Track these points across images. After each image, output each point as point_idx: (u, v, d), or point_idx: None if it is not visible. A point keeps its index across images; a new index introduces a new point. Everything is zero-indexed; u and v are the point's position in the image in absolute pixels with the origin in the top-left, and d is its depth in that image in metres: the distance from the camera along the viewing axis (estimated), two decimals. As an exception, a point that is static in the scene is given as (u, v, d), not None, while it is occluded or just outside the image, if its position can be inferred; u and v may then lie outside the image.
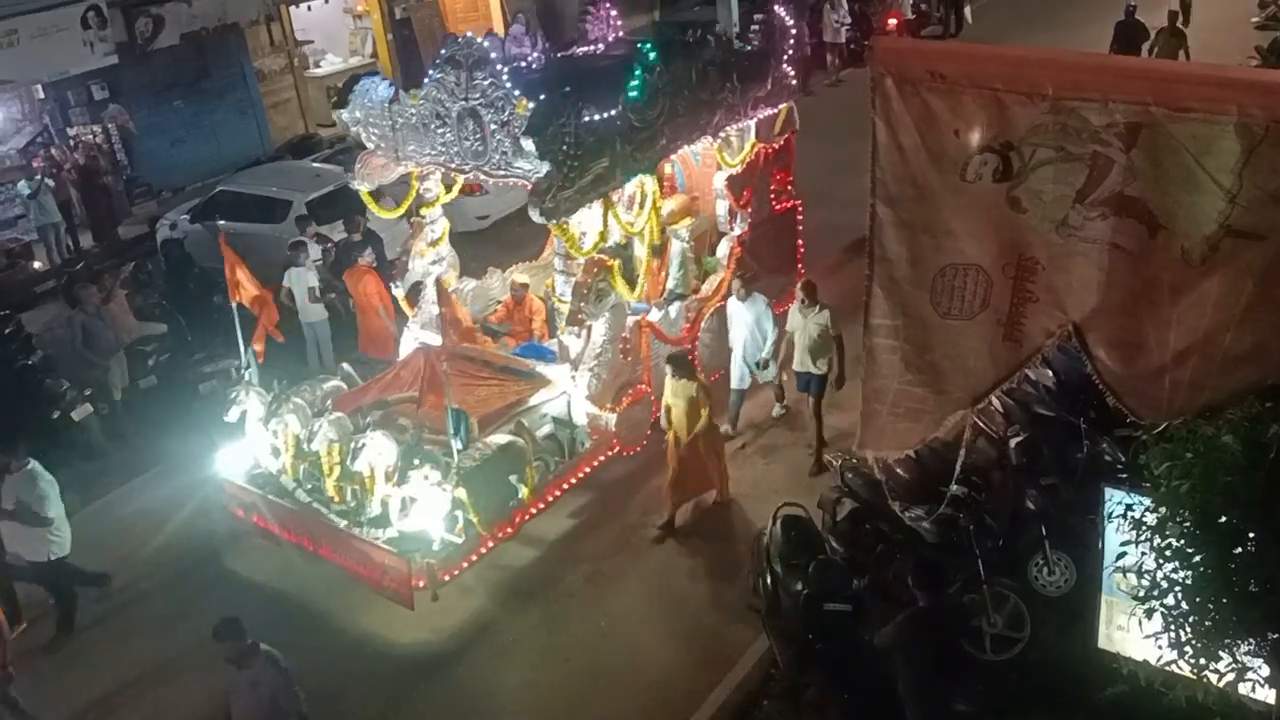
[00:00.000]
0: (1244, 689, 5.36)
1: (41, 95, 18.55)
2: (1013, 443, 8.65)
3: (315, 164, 17.05)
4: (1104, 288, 6.05)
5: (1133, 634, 6.22)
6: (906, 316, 6.61)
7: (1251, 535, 5.16)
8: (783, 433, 11.18)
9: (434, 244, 11.49)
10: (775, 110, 11.75)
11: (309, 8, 22.08)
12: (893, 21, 23.69)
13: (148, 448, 11.88)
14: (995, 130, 6.07)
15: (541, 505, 9.69)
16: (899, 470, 8.22)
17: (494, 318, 11.70)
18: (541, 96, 9.31)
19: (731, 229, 11.95)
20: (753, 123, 11.54)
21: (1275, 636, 5.17)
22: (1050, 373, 8.93)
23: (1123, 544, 5.80)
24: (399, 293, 11.58)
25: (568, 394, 10.24)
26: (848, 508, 8.85)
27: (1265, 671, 5.30)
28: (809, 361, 10.35)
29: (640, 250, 10.98)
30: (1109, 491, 6.53)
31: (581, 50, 12.35)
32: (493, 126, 9.56)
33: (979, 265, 6.34)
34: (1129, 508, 5.85)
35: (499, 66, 9.68)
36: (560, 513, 10.12)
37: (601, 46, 12.37)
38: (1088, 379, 6.49)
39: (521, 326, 11.57)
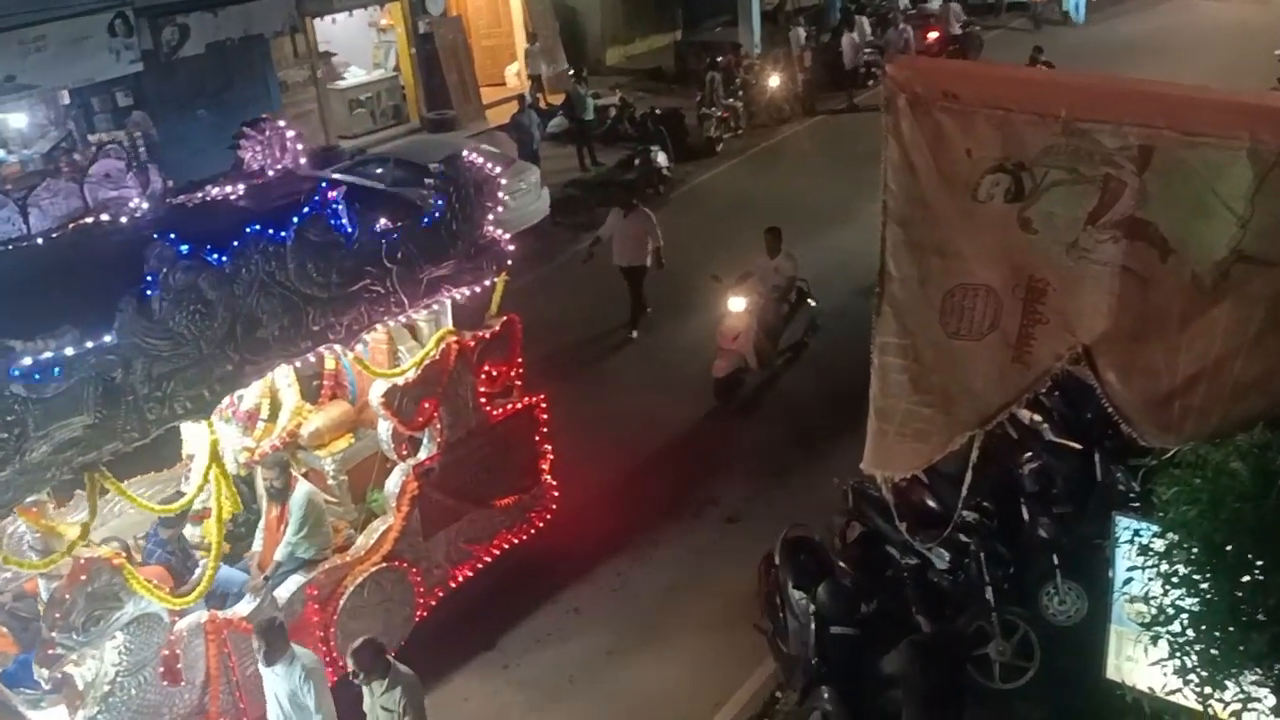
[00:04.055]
0: (1249, 720, 5.30)
1: (67, 101, 18.72)
2: (1026, 470, 8.62)
3: (335, 175, 17.10)
4: (1114, 311, 6.00)
5: (1141, 664, 6.17)
6: (915, 336, 6.58)
7: (1259, 563, 5.10)
8: (797, 454, 11.14)
9: None
10: (476, 289, 8.58)
11: (333, 20, 22.23)
12: (933, 35, 23.70)
13: None
14: (1007, 151, 6.04)
15: None
16: (908, 494, 8.18)
17: None
18: None
19: (401, 457, 8.58)
20: (446, 304, 8.48)
21: (1281, 667, 5.11)
22: (1064, 400, 8.92)
23: (1129, 569, 5.76)
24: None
25: None
26: (857, 531, 8.82)
27: (1271, 702, 5.23)
28: None
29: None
30: (1120, 520, 6.49)
31: (216, 191, 8.77)
32: None
33: (989, 286, 6.31)
34: (1136, 533, 5.80)
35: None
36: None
37: (238, 189, 8.73)
38: (1103, 407, 6.45)
39: None
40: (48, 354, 6.12)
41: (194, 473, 7.91)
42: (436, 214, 8.13)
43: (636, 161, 19.03)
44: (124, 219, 8.37)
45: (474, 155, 8.54)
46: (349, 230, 7.45)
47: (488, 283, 8.69)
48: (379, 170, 17.22)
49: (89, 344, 6.26)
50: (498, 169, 8.75)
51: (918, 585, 8.13)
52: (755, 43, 24.41)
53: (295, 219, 7.14)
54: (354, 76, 22.98)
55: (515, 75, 25.13)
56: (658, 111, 21.21)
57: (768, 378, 12.74)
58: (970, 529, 8.15)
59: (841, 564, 8.25)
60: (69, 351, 6.18)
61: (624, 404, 12.17)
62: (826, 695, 7.39)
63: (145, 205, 8.73)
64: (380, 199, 8.68)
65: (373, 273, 7.63)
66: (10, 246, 8.11)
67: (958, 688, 7.20)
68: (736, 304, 12.26)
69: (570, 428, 10.11)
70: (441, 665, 8.51)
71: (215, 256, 6.77)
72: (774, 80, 22.63)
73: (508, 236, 8.79)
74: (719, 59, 22.22)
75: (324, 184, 7.61)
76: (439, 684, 8.34)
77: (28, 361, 6.04)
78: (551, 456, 9.60)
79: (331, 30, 22.53)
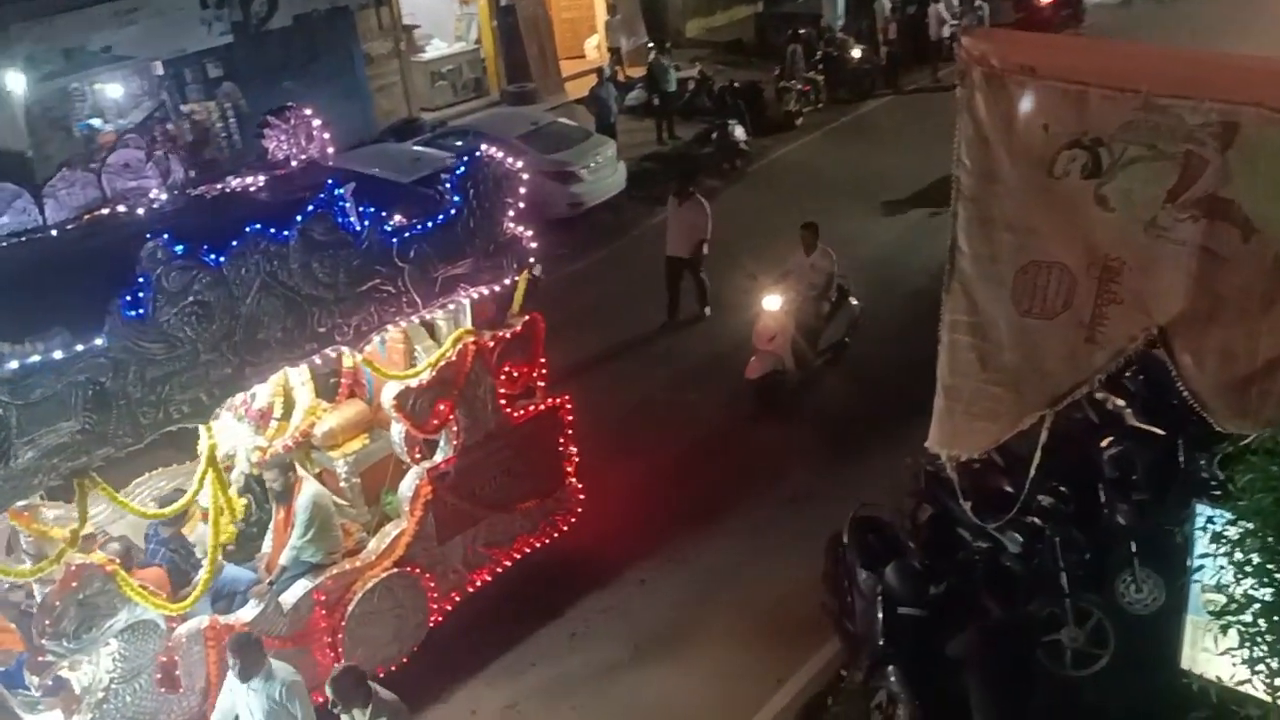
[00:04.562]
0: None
1: (160, 72, 19.20)
2: (1106, 455, 8.45)
3: (416, 147, 17.33)
4: (1192, 292, 5.85)
5: (1215, 655, 6.04)
6: (985, 313, 6.48)
7: (1335, 554, 4.96)
8: (868, 434, 11.01)
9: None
10: (498, 287, 8.25)
11: (418, -7, 22.49)
12: None
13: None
14: (1085, 126, 5.90)
15: None
16: (982, 476, 8.08)
17: None
18: None
19: (414, 460, 8.33)
20: (465, 303, 8.19)
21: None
22: (1148, 384, 8.70)
23: (1200, 556, 5.63)
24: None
25: None
26: (928, 512, 8.73)
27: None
28: None
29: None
30: (1199, 508, 6.34)
31: (238, 182, 8.70)
32: None
33: (1062, 264, 6.18)
34: (1209, 520, 5.67)
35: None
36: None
37: (259, 180, 8.71)
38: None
39: None
40: (35, 357, 5.95)
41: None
42: (453, 210, 7.80)
43: (714, 135, 18.82)
44: (140, 210, 8.24)
45: (493, 150, 8.17)
46: (357, 228, 7.19)
47: (508, 281, 8.32)
48: (458, 143, 17.38)
49: (79, 347, 6.05)
50: (518, 164, 8.31)
51: (989, 568, 8.02)
52: (838, 14, 24.09)
53: (299, 217, 6.90)
54: (436, 49, 23.19)
55: (595, 48, 25.13)
56: (736, 85, 21.04)
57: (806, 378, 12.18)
58: (1046, 513, 8.02)
59: (911, 545, 8.18)
60: (57, 355, 5.98)
61: (667, 396, 12.01)
62: (892, 676, 7.33)
63: (164, 196, 8.54)
64: (397, 194, 8.28)
65: (383, 272, 7.35)
66: (23, 238, 8.01)
67: (1027, 672, 7.11)
68: (772, 303, 11.78)
69: (626, 407, 10.26)
70: (513, 634, 8.67)
71: (212, 257, 6.50)
72: (856, 53, 22.33)
73: (530, 233, 8.38)
74: (800, 31, 21.95)
75: (332, 180, 7.32)
76: (507, 651, 8.49)
77: (14, 365, 5.85)
78: (576, 458, 9.26)
79: (415, 3, 22.73)
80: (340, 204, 7.12)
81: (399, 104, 22.16)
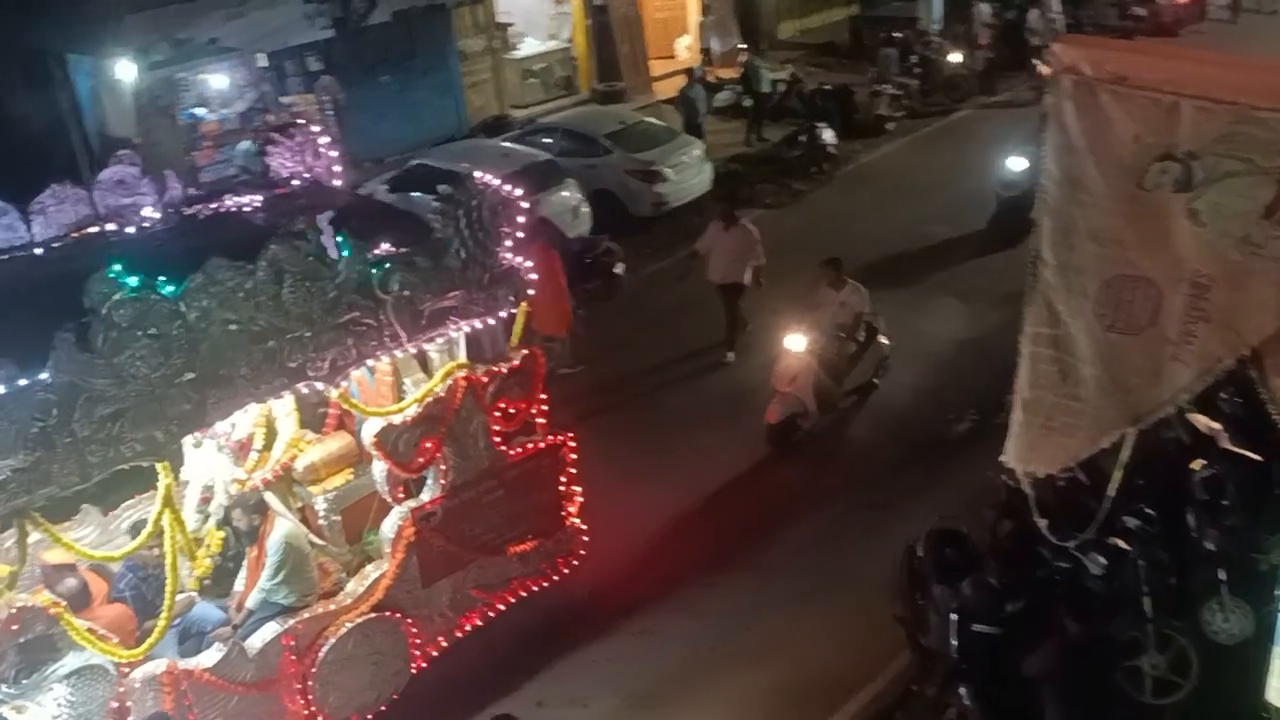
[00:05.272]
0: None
1: (263, 64, 19.69)
2: (1196, 477, 8.20)
3: (505, 144, 17.53)
4: (1285, 312, 5.66)
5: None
6: (1068, 326, 6.32)
7: None
8: (951, 450, 10.74)
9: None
10: (492, 320, 7.78)
11: (514, -8, 22.73)
12: None
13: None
14: (1178, 138, 5.73)
15: None
16: (1067, 494, 7.89)
17: None
18: None
19: (397, 499, 7.88)
20: (458, 338, 7.74)
21: None
22: (1245, 406, 8.41)
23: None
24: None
25: None
26: (1009, 527, 8.55)
27: None
28: None
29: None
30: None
31: (233, 202, 8.36)
32: None
33: (1149, 278, 6.01)
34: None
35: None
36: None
37: (256, 200, 8.29)
38: None
39: None
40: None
41: (187, 498, 7.64)
42: (441, 239, 7.34)
43: (802, 138, 18.68)
44: (130, 229, 7.96)
45: (488, 176, 7.78)
46: (332, 258, 6.75)
47: (504, 314, 7.84)
48: (547, 140, 17.54)
49: (21, 382, 5.71)
50: (517, 191, 7.88)
51: (1069, 588, 7.84)
52: (935, 19, 23.71)
53: (270, 245, 6.47)
54: (528, 47, 23.41)
55: (686, 48, 25.11)
56: (828, 87, 20.89)
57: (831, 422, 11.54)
58: (1130, 535, 7.80)
59: (989, 560, 8.02)
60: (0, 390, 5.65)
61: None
62: (964, 693, 7.22)
63: (156, 215, 8.19)
64: (386, 220, 7.86)
65: (363, 304, 6.89)
66: (1, 257, 7.68)
67: (1106, 694, 6.93)
68: (795, 343, 11.07)
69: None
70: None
71: (169, 289, 6.11)
72: (953, 58, 21.96)
73: (529, 265, 7.93)
74: (895, 35, 21.67)
75: (306, 207, 6.93)
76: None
77: None
78: (580, 498, 8.76)
79: (510, 1, 22.97)
80: (312, 234, 6.75)
81: (490, 101, 22.43)
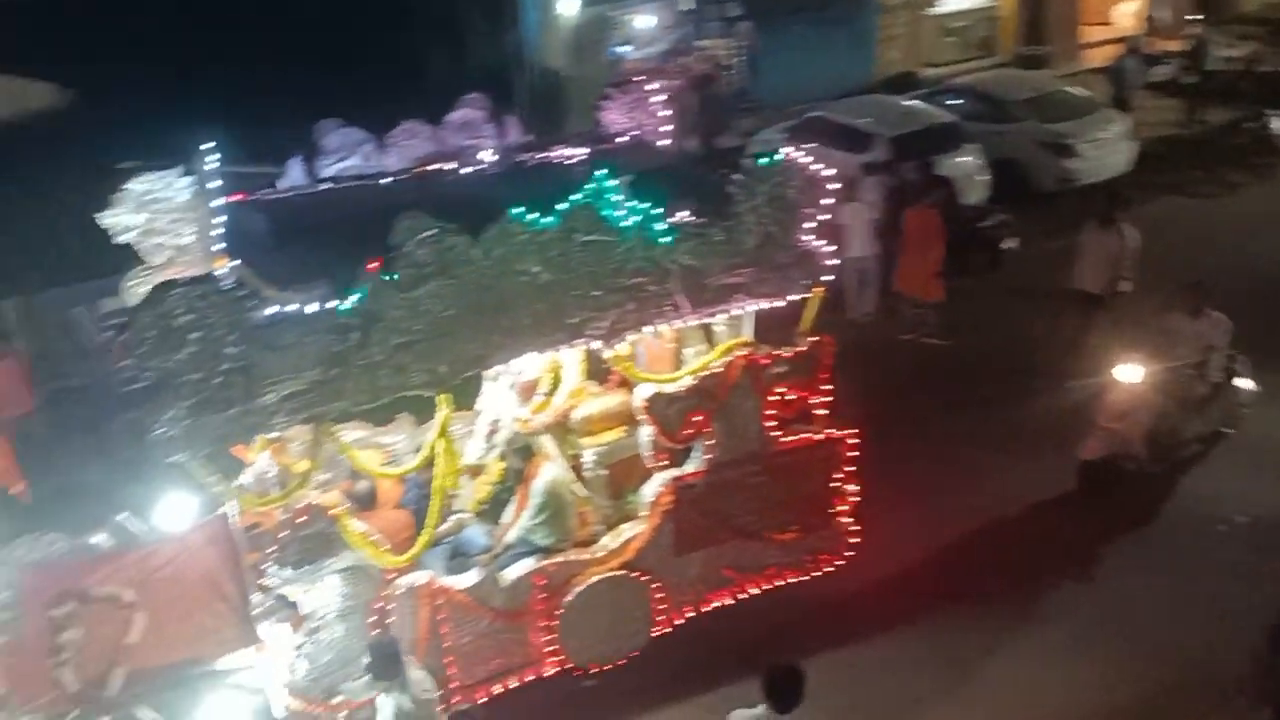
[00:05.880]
0: None
1: (687, 7, 20.28)
2: None
3: (908, 102, 16.99)
4: None
5: None
6: None
7: None
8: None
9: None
10: (781, 302, 7.57)
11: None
12: None
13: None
14: None
15: None
16: None
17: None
18: None
19: (659, 465, 7.81)
20: (747, 316, 7.62)
21: None
22: None
23: None
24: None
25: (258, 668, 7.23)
26: None
27: None
28: None
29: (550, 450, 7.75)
30: None
31: (561, 153, 8.50)
32: None
33: None
34: None
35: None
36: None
37: (581, 153, 8.37)
38: None
39: None
40: (292, 307, 6.17)
41: (478, 425, 7.98)
42: (739, 213, 7.22)
43: (1248, 125, 17.05)
44: (465, 170, 8.30)
45: (803, 155, 7.45)
46: (623, 223, 6.83)
47: (795, 297, 7.61)
48: (955, 101, 16.84)
49: (331, 304, 6.22)
50: (830, 171, 7.58)
51: None
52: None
53: (565, 207, 6.68)
54: (952, 3, 22.54)
55: (1131, 15, 23.13)
56: (1290, 71, 18.59)
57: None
58: None
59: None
60: (311, 308, 6.18)
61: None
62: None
63: (491, 159, 8.45)
64: (687, 187, 7.56)
65: (649, 270, 6.96)
66: (355, 183, 8.25)
67: None
68: (1130, 374, 9.55)
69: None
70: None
71: (466, 236, 6.47)
72: None
73: (834, 249, 7.66)
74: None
75: (604, 169, 6.93)
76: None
77: (273, 310, 6.11)
78: (854, 498, 8.29)
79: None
80: (607, 196, 6.83)
81: (903, 57, 21.85)
